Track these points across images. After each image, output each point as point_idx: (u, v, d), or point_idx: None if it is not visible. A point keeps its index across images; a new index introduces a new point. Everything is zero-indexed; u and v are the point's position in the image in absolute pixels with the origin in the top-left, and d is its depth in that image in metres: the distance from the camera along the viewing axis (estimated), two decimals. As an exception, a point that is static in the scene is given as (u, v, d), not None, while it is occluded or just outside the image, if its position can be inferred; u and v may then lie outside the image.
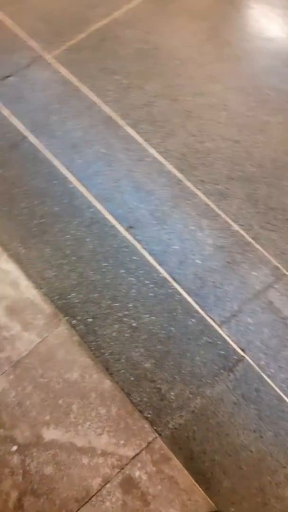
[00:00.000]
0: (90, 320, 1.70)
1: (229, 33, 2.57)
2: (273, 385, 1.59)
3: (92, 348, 1.65)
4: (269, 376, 1.61)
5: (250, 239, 1.90)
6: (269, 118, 2.24)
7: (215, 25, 2.60)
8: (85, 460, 1.45)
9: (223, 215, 1.96)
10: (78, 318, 1.70)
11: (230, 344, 1.67)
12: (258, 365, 1.63)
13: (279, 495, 1.42)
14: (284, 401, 1.56)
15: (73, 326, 1.68)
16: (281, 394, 1.58)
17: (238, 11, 2.67)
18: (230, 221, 1.95)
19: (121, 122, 2.21)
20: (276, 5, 2.67)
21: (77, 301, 1.73)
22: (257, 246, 1.89)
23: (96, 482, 1.43)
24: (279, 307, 1.75)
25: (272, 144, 2.16)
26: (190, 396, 1.57)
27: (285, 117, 2.24)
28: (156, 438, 1.50)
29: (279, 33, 2.59)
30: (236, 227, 1.94)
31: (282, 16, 2.64)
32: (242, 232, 1.92)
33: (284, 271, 1.82)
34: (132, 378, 1.60)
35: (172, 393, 1.57)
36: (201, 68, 2.42)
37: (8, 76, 2.33)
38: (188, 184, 2.04)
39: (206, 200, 2.00)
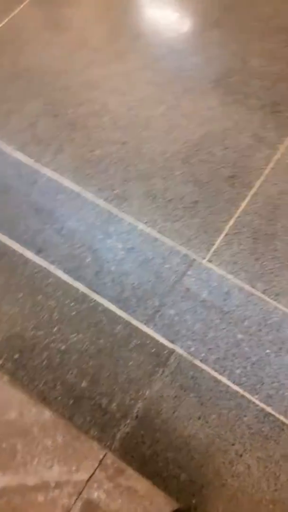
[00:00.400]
0: (16, 356, 1.62)
1: (96, 39, 2.53)
2: (206, 368, 1.59)
3: (25, 383, 1.57)
4: (201, 361, 1.60)
5: (156, 234, 1.88)
6: (151, 112, 2.23)
7: (80, 33, 2.55)
8: (40, 498, 1.38)
9: (127, 218, 1.93)
10: (4, 357, 1.62)
11: (159, 340, 1.65)
12: (188, 353, 1.62)
13: (234, 473, 1.42)
14: (220, 381, 1.56)
15: (0, 367, 1.59)
16: (216, 375, 1.58)
17: (100, 17, 2.63)
18: (134, 221, 1.92)
19: (7, 148, 2.12)
20: (137, 4, 2.65)
21: None
22: (165, 239, 1.87)
23: (57, 515, 1.36)
24: (196, 292, 1.74)
25: (158, 138, 2.15)
26: (131, 402, 1.53)
27: (165, 109, 2.24)
28: (106, 453, 1.45)
29: (145, 30, 2.57)
30: (141, 226, 1.91)
31: (146, 13, 2.62)
32: (148, 229, 1.90)
33: (194, 256, 1.82)
34: (71, 402, 1.54)
35: (113, 405, 1.53)
36: (75, 78, 2.37)
37: None
38: (87, 195, 1.99)
39: (108, 207, 1.96)
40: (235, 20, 2.59)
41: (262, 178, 2.03)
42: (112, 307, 1.71)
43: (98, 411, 1.52)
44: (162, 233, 1.89)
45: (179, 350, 1.62)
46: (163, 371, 1.57)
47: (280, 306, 1.69)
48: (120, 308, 1.71)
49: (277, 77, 2.33)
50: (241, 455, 1.44)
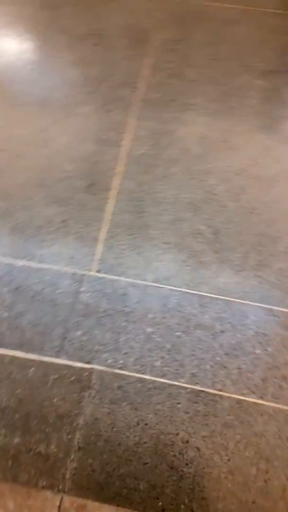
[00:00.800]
0: None
1: None
2: (128, 373, 1.57)
3: None
4: (121, 368, 1.58)
5: (38, 265, 1.83)
6: (-11, 151, 2.15)
7: None
8: None
9: (3, 259, 1.85)
10: None
11: (75, 366, 1.60)
12: (107, 366, 1.59)
13: (187, 460, 1.42)
14: (145, 379, 1.55)
15: None
16: (139, 375, 1.56)
17: None
18: (12, 260, 1.84)
19: None
20: None
21: None
22: (48, 266, 1.82)
23: None
24: (95, 305, 1.72)
25: (4, 172, 2.08)
26: (69, 437, 1.47)
27: None
28: (62, 497, 1.38)
29: None
30: (20, 262, 1.84)
31: None
32: (28, 263, 1.83)
33: (82, 272, 1.79)
34: (10, 463, 1.44)
35: (52, 447, 1.46)
36: None
37: None
38: None
39: (-21, 256, 1.86)
40: (42, 39, 2.59)
41: (118, 177, 2.05)
42: (18, 354, 1.62)
43: (40, 459, 1.44)
44: (43, 261, 1.83)
45: (97, 367, 1.59)
46: (89, 394, 1.53)
47: (174, 288, 1.73)
48: (27, 351, 1.63)
49: (97, 80, 2.37)
50: (187, 441, 1.45)
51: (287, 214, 1.86)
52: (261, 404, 1.50)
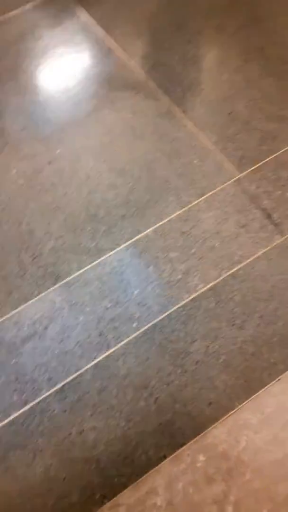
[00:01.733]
0: None
1: None
2: (11, 418, 1.45)
3: None
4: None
5: None
6: None
7: None
8: None
9: None
10: None
11: None
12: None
13: (93, 444, 1.39)
14: (13, 420, 1.46)
15: None
16: (6, 421, 1.46)
17: None
18: None
19: None
20: None
21: None
22: None
23: None
24: None
25: None
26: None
27: None
28: None
29: None
30: None
31: None
32: None
33: None
34: None
35: None
36: None
37: None
38: None
39: None
40: None
41: None
42: None
43: None
44: None
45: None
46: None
47: (-18, 331, 1.63)
48: None
49: None
50: (82, 430, 1.42)
51: (18, 210, 1.86)
52: (112, 353, 1.54)
